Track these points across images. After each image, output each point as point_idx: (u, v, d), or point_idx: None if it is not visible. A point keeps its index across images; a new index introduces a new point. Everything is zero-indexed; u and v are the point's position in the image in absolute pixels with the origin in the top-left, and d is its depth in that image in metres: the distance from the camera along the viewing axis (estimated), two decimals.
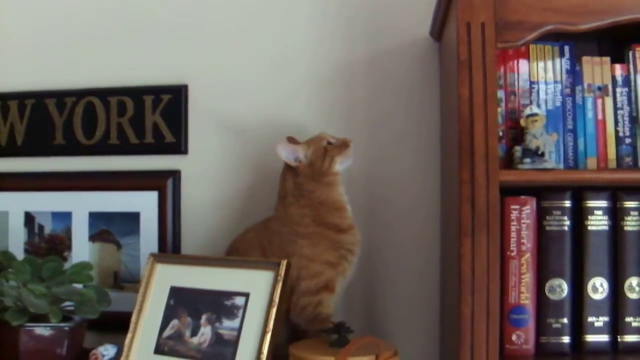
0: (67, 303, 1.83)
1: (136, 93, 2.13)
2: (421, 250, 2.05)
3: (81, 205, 2.15)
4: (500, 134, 1.71)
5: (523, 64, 1.74)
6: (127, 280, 2.12)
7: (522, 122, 1.68)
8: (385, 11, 2.07)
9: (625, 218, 1.71)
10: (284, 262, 1.74)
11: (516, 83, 1.74)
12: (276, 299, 1.70)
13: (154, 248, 2.08)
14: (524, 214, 1.69)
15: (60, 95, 2.18)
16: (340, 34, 2.09)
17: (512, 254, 1.69)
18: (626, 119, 1.75)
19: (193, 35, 2.13)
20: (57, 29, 2.21)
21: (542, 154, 1.64)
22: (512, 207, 1.69)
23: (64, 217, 2.16)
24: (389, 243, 2.06)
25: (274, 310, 1.69)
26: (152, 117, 2.11)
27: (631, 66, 1.75)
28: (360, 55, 2.08)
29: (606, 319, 1.70)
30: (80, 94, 2.17)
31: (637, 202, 1.71)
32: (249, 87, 2.11)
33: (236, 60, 2.12)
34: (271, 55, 2.11)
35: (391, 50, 2.07)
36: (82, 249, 2.14)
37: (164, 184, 2.09)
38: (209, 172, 2.11)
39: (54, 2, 2.22)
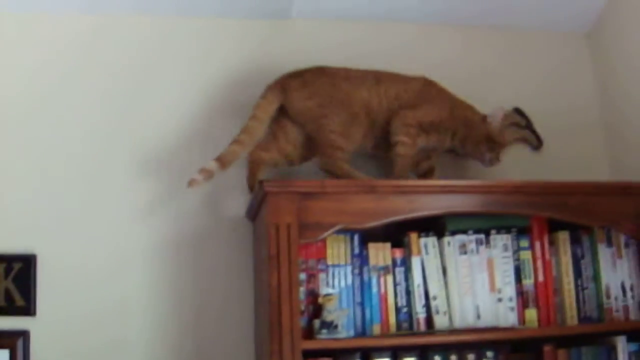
0: None
1: None
2: None
3: None
4: (303, 308, 2.18)
5: (321, 251, 2.24)
6: None
7: (320, 300, 2.17)
8: (208, 192, 2.50)
9: None
10: None
11: (315, 267, 2.23)
12: None
13: None
14: None
15: None
16: (170, 211, 2.52)
17: None
18: (403, 292, 2.28)
19: (42, 210, 2.48)
20: None
21: (336, 326, 2.13)
22: None
23: None
24: None
25: None
26: (4, 282, 2.44)
27: (407, 250, 2.29)
28: (187, 231, 2.50)
29: None
30: None
31: (413, 359, 2.21)
32: (90, 258, 2.47)
33: (80, 233, 2.48)
34: (108, 228, 2.50)
35: (213, 227, 2.51)
36: None
37: (14, 343, 2.40)
38: (57, 332, 2.41)
39: None
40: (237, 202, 2.48)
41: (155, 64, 2.61)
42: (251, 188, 2.36)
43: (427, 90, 2.49)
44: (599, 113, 2.88)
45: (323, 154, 2.36)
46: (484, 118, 2.47)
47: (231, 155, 2.33)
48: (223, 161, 2.31)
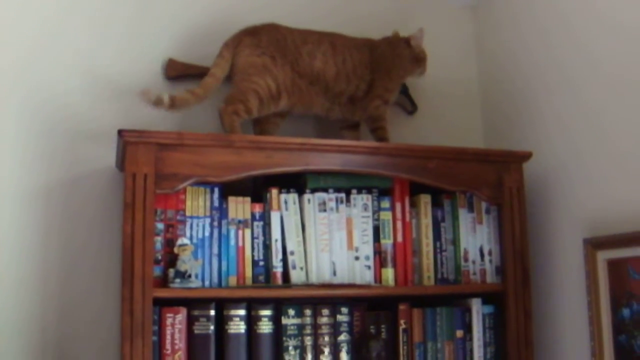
0: None
1: None
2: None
3: None
4: (160, 257, 2.31)
5: (180, 203, 2.36)
6: None
7: (175, 250, 2.29)
8: (81, 142, 2.59)
9: (258, 323, 2.36)
10: None
11: (174, 217, 2.36)
12: None
13: None
14: (177, 320, 2.29)
15: None
16: (43, 160, 2.57)
17: (168, 352, 2.27)
18: (261, 246, 2.42)
19: None
20: None
21: (190, 276, 2.28)
22: (168, 315, 2.28)
23: None
24: (78, 342, 2.53)
25: None
26: None
27: (267, 205, 2.44)
28: (57, 180, 2.57)
29: None
30: None
31: (268, 311, 2.37)
32: None
33: None
34: None
35: (84, 177, 2.58)
36: None
37: None
38: None
39: None
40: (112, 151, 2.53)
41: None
42: None
43: (375, 55, 2.71)
44: (477, 83, 3.09)
45: (228, 102, 2.46)
46: (407, 41, 2.74)
47: (182, 101, 2.43)
48: (174, 102, 2.41)
